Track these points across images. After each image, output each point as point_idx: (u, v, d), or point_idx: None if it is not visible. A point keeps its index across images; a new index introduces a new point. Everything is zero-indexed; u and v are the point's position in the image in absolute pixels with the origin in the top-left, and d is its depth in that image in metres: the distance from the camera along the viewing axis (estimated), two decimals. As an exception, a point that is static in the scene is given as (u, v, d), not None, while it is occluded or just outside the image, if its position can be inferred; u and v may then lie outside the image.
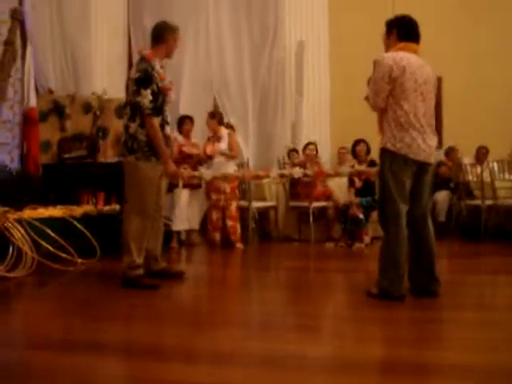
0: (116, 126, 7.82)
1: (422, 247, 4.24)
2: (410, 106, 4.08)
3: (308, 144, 8.24)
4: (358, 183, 7.46)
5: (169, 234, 7.29)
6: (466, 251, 6.98)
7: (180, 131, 7.58)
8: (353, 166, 7.35)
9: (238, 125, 8.98)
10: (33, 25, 8.40)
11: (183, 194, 7.46)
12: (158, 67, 4.80)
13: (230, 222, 7.44)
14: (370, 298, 4.20)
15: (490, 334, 3.33)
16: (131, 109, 4.77)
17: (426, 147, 4.13)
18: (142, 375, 2.74)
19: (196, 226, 7.71)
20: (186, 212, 7.50)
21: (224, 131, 7.62)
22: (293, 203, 8.03)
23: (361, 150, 7.63)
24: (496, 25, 9.26)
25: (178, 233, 7.61)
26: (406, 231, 4.14)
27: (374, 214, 6.60)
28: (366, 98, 4.32)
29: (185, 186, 7.39)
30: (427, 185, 4.28)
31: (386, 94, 4.12)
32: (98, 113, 8.45)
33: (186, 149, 7.41)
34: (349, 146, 8.03)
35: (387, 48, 4.29)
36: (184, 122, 7.59)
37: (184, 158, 7.34)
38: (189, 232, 7.66)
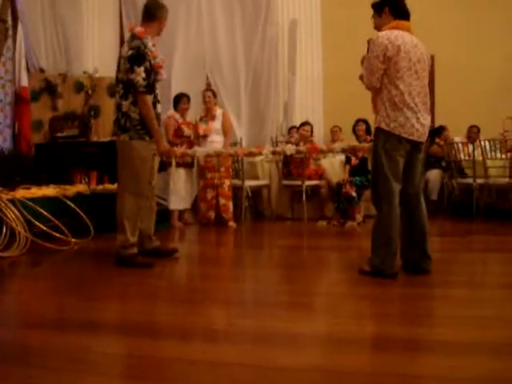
0: (108, 104, 7.78)
1: (415, 225, 4.27)
2: (404, 86, 4.08)
3: (303, 124, 8.22)
4: (354, 161, 7.47)
5: (164, 213, 7.32)
6: (457, 229, 7.02)
7: (176, 109, 7.54)
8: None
9: (231, 103, 8.95)
10: (24, 3, 8.33)
11: (180, 174, 7.47)
12: (150, 45, 4.77)
13: (222, 201, 7.44)
14: (362, 276, 4.23)
15: (481, 312, 3.37)
16: (124, 87, 4.75)
17: (419, 127, 4.13)
18: (136, 353, 2.76)
19: (189, 205, 7.72)
20: (183, 191, 7.51)
21: (219, 111, 7.61)
22: (286, 182, 8.03)
23: (360, 129, 7.64)
24: (490, 3, 9.23)
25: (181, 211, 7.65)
26: (399, 209, 4.17)
27: (367, 193, 6.63)
28: (361, 77, 4.31)
29: (179, 165, 7.39)
30: (420, 163, 4.30)
31: (381, 73, 4.11)
32: (89, 92, 8.42)
33: (184, 128, 7.38)
34: (340, 124, 8.04)
35: (379, 27, 4.26)
36: (181, 101, 7.53)
37: (181, 137, 7.32)
38: (181, 211, 7.66)
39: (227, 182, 7.51)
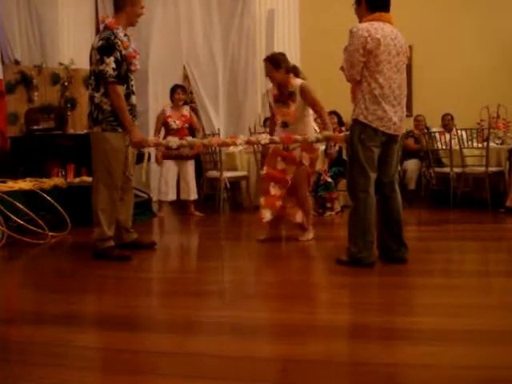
0: (84, 96, 7.72)
1: (390, 214, 4.31)
2: (384, 79, 4.09)
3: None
4: (332, 155, 7.49)
5: (146, 204, 7.33)
6: (434, 218, 7.08)
7: (172, 100, 7.49)
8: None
9: (208, 94, 8.93)
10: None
11: (168, 165, 7.47)
12: (121, 35, 4.73)
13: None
14: (339, 265, 4.26)
15: (457, 300, 3.40)
16: (95, 78, 4.71)
17: (397, 120, 4.16)
18: (115, 346, 2.75)
19: (191, 196, 7.72)
20: (170, 183, 7.51)
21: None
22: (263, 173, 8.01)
23: (332, 121, 7.65)
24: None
25: (173, 202, 7.71)
26: (375, 198, 4.20)
27: (344, 183, 6.65)
28: (342, 69, 4.30)
29: (169, 158, 7.39)
30: (395, 153, 4.33)
31: (361, 66, 4.11)
32: (65, 83, 8.35)
33: (171, 122, 7.34)
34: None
35: (359, 18, 4.25)
36: (174, 92, 7.46)
37: (169, 131, 7.29)
38: (189, 202, 7.72)
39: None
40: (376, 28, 4.08)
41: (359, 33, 4.08)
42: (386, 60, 4.08)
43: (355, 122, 4.22)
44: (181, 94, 7.46)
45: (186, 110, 7.57)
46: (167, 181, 7.50)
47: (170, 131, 7.27)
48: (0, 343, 2.86)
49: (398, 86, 4.16)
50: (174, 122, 7.34)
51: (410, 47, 7.88)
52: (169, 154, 7.33)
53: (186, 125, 7.47)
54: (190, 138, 5.94)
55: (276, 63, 5.29)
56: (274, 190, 5.47)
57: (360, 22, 4.22)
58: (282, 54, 5.45)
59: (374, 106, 4.11)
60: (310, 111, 5.48)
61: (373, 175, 4.19)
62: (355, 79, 4.19)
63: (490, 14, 9.20)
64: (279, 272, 4.40)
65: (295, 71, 5.43)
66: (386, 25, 4.15)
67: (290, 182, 5.44)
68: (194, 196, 7.71)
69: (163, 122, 7.34)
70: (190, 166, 7.67)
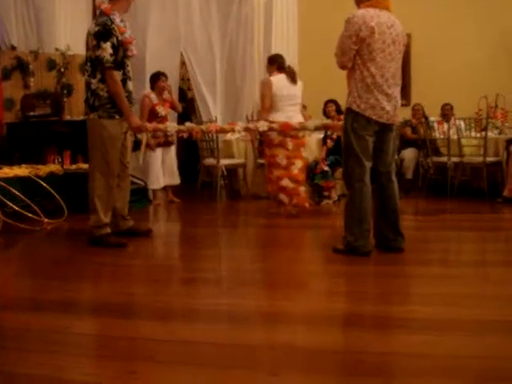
0: (81, 82, 7.64)
1: (387, 203, 4.30)
2: (376, 68, 4.06)
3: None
4: (329, 143, 7.48)
5: (142, 192, 7.31)
6: (432, 208, 7.08)
7: (152, 88, 7.45)
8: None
9: (206, 81, 8.89)
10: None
11: (157, 154, 7.43)
12: (117, 21, 4.70)
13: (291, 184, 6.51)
14: (336, 254, 4.26)
15: (453, 289, 3.41)
16: (92, 65, 4.69)
17: (390, 109, 4.13)
18: (112, 333, 2.75)
19: (175, 181, 7.72)
20: (160, 171, 7.47)
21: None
22: (261, 161, 7.99)
23: (331, 110, 7.66)
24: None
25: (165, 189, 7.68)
26: (370, 187, 4.19)
27: (340, 172, 6.64)
28: (336, 54, 4.28)
29: (160, 145, 7.37)
30: (391, 142, 4.31)
31: (353, 53, 4.09)
32: (62, 69, 8.29)
33: (159, 109, 7.30)
34: (315, 104, 8.03)
35: (358, 5, 4.22)
36: (159, 79, 7.40)
37: (156, 118, 7.23)
38: (168, 189, 7.71)
39: (298, 164, 6.28)
40: (372, 15, 4.04)
41: (354, 19, 4.06)
42: (380, 48, 4.05)
43: (348, 110, 4.20)
44: (164, 81, 7.42)
45: (166, 94, 7.51)
46: (157, 168, 7.45)
47: (157, 118, 7.19)
48: (-5, 329, 2.86)
49: (392, 75, 4.13)
50: (161, 109, 7.31)
51: (409, 35, 7.88)
52: (158, 142, 7.34)
53: (169, 110, 7.49)
54: (188, 124, 5.92)
55: (270, 60, 6.40)
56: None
57: (358, 8, 4.19)
58: (280, 56, 6.37)
59: (367, 95, 4.09)
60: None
61: (368, 164, 4.18)
62: (346, 66, 4.18)
63: (489, 3, 9.15)
64: (276, 260, 4.40)
65: (280, 68, 6.22)
66: (383, 12, 4.11)
67: None
68: (177, 180, 7.73)
69: (150, 109, 7.27)
70: (173, 151, 7.71)
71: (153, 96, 7.33)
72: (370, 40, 4.02)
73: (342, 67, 4.22)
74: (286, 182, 6.17)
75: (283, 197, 6.22)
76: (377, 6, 4.11)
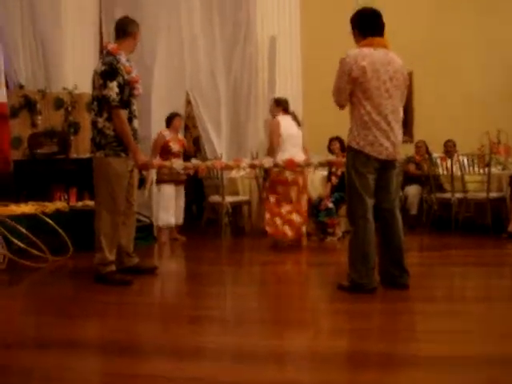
0: (88, 120, 7.71)
1: (391, 240, 4.30)
2: (372, 106, 4.11)
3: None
4: (334, 180, 7.52)
5: (148, 229, 7.32)
6: (436, 244, 7.07)
7: (168, 126, 7.58)
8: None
9: (211, 120, 8.97)
10: (3, 19, 8.31)
11: (170, 190, 7.46)
12: (123, 60, 4.80)
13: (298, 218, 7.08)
14: (341, 291, 4.25)
15: (459, 326, 3.40)
16: (98, 103, 4.77)
17: (389, 145, 4.17)
18: (117, 371, 2.76)
19: (180, 220, 7.71)
20: (172, 208, 7.50)
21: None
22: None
23: (335, 147, 7.74)
24: (467, 19, 9.39)
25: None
26: (374, 224, 4.20)
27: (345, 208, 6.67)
28: (333, 94, 4.34)
29: (169, 181, 7.40)
30: (393, 179, 4.34)
31: (348, 92, 4.16)
32: (69, 108, 8.39)
33: (173, 145, 7.39)
34: (320, 141, 8.09)
35: (356, 43, 4.30)
36: (174, 119, 7.60)
37: (169, 154, 7.30)
38: (171, 227, 7.67)
39: (304, 198, 6.87)
40: (365, 55, 4.11)
41: (346, 60, 4.14)
42: (375, 86, 4.10)
43: (349, 148, 4.27)
44: (180, 121, 7.70)
45: (180, 135, 7.78)
46: (168, 206, 7.46)
47: (170, 155, 7.26)
48: (1, 368, 2.85)
49: (392, 112, 4.18)
50: (174, 145, 7.40)
51: (411, 73, 7.96)
52: (163, 178, 7.36)
53: (182, 149, 7.59)
54: (194, 161, 5.99)
55: (276, 102, 6.93)
56: None
57: (357, 46, 4.27)
58: (286, 100, 6.94)
59: (365, 132, 4.14)
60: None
61: (370, 201, 4.20)
62: (343, 105, 4.27)
63: (490, 39, 9.27)
64: (280, 298, 4.40)
65: (285, 110, 6.83)
66: (379, 50, 4.16)
67: None
68: (181, 220, 7.73)
69: (163, 146, 7.37)
70: (183, 190, 7.73)
71: (167, 133, 7.46)
72: (362, 79, 4.09)
73: (340, 106, 4.31)
74: (294, 217, 6.65)
75: (287, 229, 6.60)
76: (372, 45, 4.18)
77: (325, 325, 3.61)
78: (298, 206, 6.70)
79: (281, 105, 6.88)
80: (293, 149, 6.57)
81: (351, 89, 4.14)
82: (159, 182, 7.38)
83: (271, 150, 6.59)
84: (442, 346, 3.01)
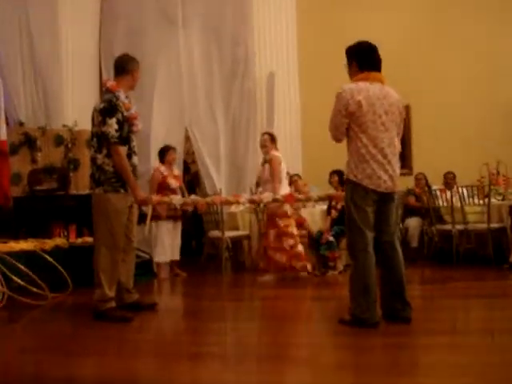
0: (87, 157, 7.74)
1: (392, 273, 4.27)
2: (368, 139, 4.13)
3: (292, 176, 8.31)
4: (334, 213, 7.51)
5: (147, 265, 7.28)
6: (438, 276, 7.04)
7: (162, 161, 7.57)
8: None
9: (210, 155, 9.02)
10: (3, 57, 8.41)
11: (168, 226, 7.45)
12: (122, 97, 4.85)
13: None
14: (343, 326, 4.21)
15: (461, 359, 3.36)
16: (98, 140, 4.80)
17: (387, 178, 4.18)
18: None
19: (177, 256, 7.67)
20: (168, 243, 7.47)
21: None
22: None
23: (334, 181, 7.77)
24: (463, 53, 9.48)
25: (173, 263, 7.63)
26: (374, 257, 4.18)
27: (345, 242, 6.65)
28: (330, 129, 4.36)
29: (167, 218, 7.38)
30: (393, 211, 4.33)
31: (345, 127, 4.19)
32: (69, 145, 8.43)
33: (170, 181, 7.39)
34: (320, 176, 8.12)
35: (350, 77, 4.34)
36: (168, 153, 7.57)
37: (167, 190, 7.28)
38: (172, 263, 7.63)
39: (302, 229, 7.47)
40: (360, 89, 4.14)
41: (342, 95, 4.16)
42: (371, 120, 4.12)
43: (347, 181, 4.28)
44: (173, 154, 7.63)
45: (176, 170, 7.76)
46: (166, 241, 7.44)
47: (168, 191, 7.24)
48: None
49: (388, 145, 4.18)
50: (171, 181, 7.40)
51: (408, 107, 8.04)
52: (160, 214, 7.27)
53: (179, 185, 7.59)
54: (193, 197, 5.99)
55: (272, 137, 7.20)
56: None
57: (351, 81, 4.29)
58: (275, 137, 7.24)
59: (363, 165, 4.15)
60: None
61: (370, 234, 4.19)
62: (340, 140, 4.28)
63: (488, 71, 9.36)
64: (281, 333, 4.35)
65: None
66: (374, 84, 4.19)
67: None
68: (178, 256, 7.68)
69: (160, 182, 7.37)
70: (180, 226, 7.71)
71: (163, 169, 7.46)
72: (358, 113, 4.11)
73: (336, 140, 4.33)
74: (300, 248, 6.90)
75: (297, 264, 6.88)
76: (368, 79, 4.21)
77: (326, 360, 3.56)
78: (298, 238, 6.97)
79: (274, 140, 7.14)
80: (285, 182, 6.99)
81: (348, 123, 4.17)
82: (156, 218, 7.19)
83: (277, 187, 6.71)
84: (446, 379, 2.98)
